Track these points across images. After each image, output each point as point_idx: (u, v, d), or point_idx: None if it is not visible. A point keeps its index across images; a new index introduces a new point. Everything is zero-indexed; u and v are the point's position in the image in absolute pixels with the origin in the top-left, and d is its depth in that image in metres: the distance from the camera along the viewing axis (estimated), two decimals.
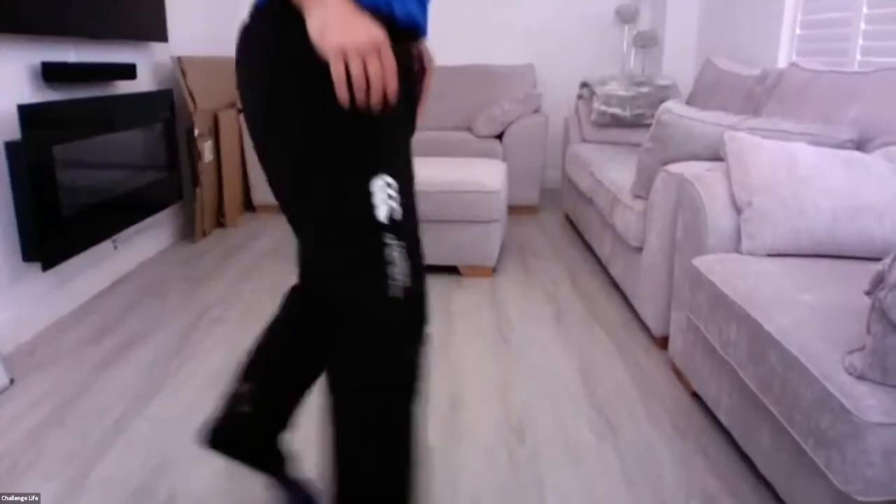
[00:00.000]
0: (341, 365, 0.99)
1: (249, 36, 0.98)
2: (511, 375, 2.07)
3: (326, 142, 0.92)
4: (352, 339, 0.97)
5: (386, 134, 0.95)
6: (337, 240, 0.94)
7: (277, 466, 1.35)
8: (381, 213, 0.91)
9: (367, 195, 0.91)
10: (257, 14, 0.97)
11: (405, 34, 0.99)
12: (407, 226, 0.95)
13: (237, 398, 1.28)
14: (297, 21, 0.89)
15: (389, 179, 0.93)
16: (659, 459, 1.65)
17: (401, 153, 1.00)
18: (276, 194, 1.01)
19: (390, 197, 0.92)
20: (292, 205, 0.99)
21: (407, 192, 0.97)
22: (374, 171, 0.92)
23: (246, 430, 1.30)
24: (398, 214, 0.93)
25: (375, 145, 0.93)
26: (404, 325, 0.97)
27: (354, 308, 0.95)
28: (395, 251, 0.93)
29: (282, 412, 1.30)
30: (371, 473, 1.01)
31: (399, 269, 0.93)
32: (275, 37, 0.94)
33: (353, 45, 0.84)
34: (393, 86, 0.88)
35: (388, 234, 0.92)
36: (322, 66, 0.88)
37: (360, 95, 0.87)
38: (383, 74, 0.87)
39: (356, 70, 0.85)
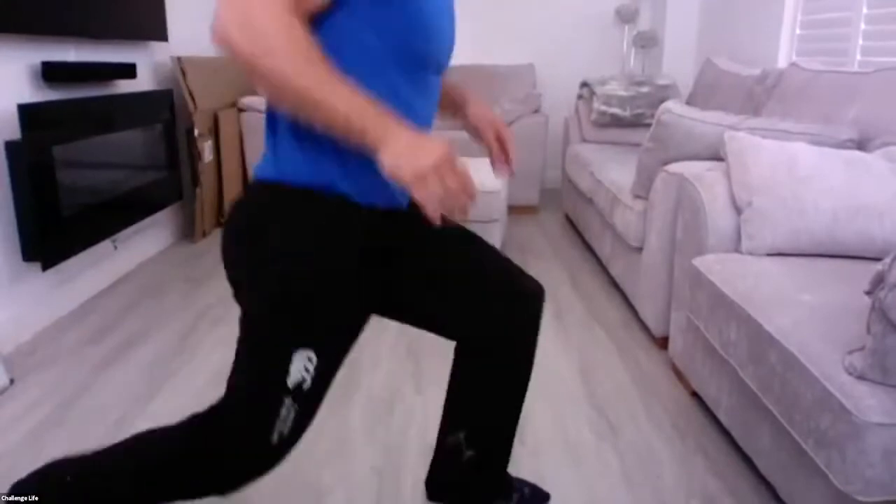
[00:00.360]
0: (190, 428, 1.04)
1: (239, 207, 1.05)
2: None
3: (271, 307, 1.01)
4: (210, 432, 1.03)
5: (327, 309, 1.02)
6: (247, 380, 1.03)
7: (511, 488, 1.42)
8: (291, 381, 0.99)
9: (286, 362, 0.99)
10: (251, 189, 1.05)
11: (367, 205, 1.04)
12: (312, 394, 1.02)
13: (456, 449, 1.32)
14: (275, 213, 1.01)
15: (312, 355, 1.00)
16: (659, 459, 1.65)
17: (344, 321, 1.06)
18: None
19: (306, 370, 1.00)
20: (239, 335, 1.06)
21: (330, 365, 1.04)
22: (300, 346, 1.00)
23: (479, 472, 1.35)
24: (307, 385, 1.00)
25: (310, 323, 1.01)
26: (260, 468, 1.04)
27: (230, 434, 1.02)
28: (290, 412, 1.00)
29: (505, 439, 1.35)
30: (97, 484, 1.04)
31: (285, 424, 1.01)
32: (255, 220, 1.03)
33: (427, 168, 0.86)
34: (473, 190, 0.92)
35: (287, 398, 1.00)
36: (293, 238, 0.99)
37: (448, 210, 0.91)
38: (462, 184, 0.89)
39: (436, 189, 0.87)
